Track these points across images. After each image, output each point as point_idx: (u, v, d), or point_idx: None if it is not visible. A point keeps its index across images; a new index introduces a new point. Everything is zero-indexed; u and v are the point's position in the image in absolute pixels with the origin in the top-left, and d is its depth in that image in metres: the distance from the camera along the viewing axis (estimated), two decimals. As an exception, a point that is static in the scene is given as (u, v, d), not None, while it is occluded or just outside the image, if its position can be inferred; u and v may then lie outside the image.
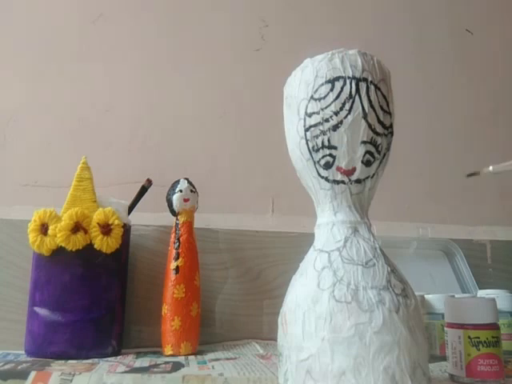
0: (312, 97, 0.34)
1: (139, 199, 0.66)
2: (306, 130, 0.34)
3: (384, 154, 0.35)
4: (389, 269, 0.33)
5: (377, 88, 0.34)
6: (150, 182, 0.66)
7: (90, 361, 0.53)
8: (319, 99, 0.34)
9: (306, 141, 0.34)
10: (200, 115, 0.79)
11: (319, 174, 0.35)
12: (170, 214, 0.62)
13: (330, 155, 0.34)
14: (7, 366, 0.47)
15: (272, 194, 0.77)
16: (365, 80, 0.34)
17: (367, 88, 0.33)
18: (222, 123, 0.79)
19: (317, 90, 0.34)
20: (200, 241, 0.64)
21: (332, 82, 0.34)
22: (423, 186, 0.82)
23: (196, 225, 0.63)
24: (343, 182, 0.34)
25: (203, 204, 0.64)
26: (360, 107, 0.33)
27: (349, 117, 0.33)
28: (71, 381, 0.40)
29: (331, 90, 0.33)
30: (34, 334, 0.56)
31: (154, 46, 0.80)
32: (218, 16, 0.83)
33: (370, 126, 0.33)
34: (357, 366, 0.30)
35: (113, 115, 0.77)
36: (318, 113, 0.34)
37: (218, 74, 0.81)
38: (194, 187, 0.62)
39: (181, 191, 0.61)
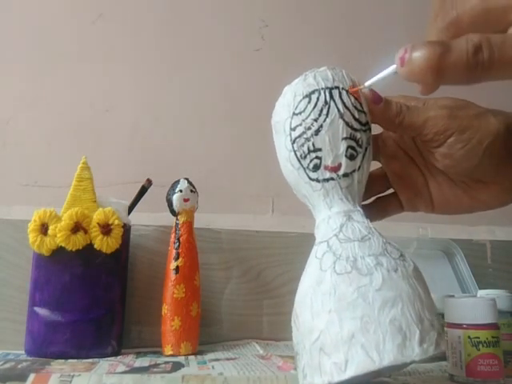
0: (294, 113, 0.38)
1: (139, 199, 0.66)
2: (293, 142, 0.38)
3: (366, 148, 0.38)
4: (384, 240, 0.35)
5: (348, 92, 0.38)
6: (150, 182, 0.66)
7: (90, 360, 0.53)
8: (300, 113, 0.37)
9: (294, 152, 0.38)
10: (200, 115, 0.79)
11: (310, 178, 0.37)
12: (170, 214, 0.62)
13: (317, 157, 0.37)
14: (7, 365, 0.47)
15: (272, 194, 0.78)
16: (337, 88, 0.37)
17: (339, 93, 0.37)
18: (222, 123, 0.79)
19: (297, 107, 0.38)
20: (200, 241, 0.64)
21: (309, 95, 0.37)
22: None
23: (196, 225, 0.63)
24: (332, 179, 0.37)
25: (203, 204, 0.64)
26: (336, 109, 0.37)
27: (327, 119, 0.37)
28: (70, 382, 0.40)
29: (309, 102, 0.37)
30: (33, 334, 0.56)
31: (154, 46, 0.80)
32: (217, 16, 0.83)
33: (347, 123, 0.37)
34: (364, 326, 0.31)
35: (113, 115, 0.77)
36: (300, 124, 0.37)
37: (218, 74, 0.81)
38: (193, 187, 0.62)
39: (181, 191, 0.61)
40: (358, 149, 0.37)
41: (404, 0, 0.89)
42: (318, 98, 0.37)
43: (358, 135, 0.37)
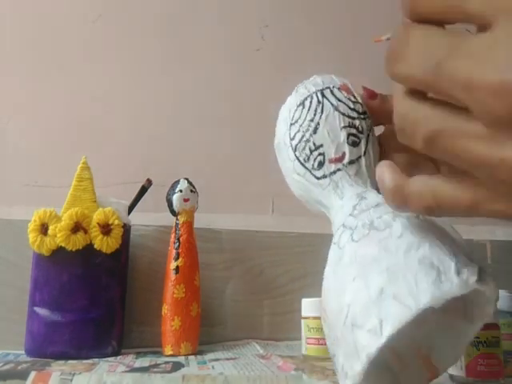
0: (291, 124, 0.38)
1: (139, 199, 0.66)
2: (295, 150, 0.37)
3: (368, 134, 0.38)
4: None
5: (340, 89, 0.38)
6: (150, 182, 0.66)
7: (89, 361, 0.53)
8: (296, 121, 0.38)
9: (297, 158, 0.37)
10: (200, 115, 0.79)
11: (317, 177, 0.37)
12: (170, 214, 0.62)
13: (320, 154, 0.37)
14: (7, 366, 0.47)
15: (272, 194, 0.78)
16: (328, 88, 0.38)
17: (331, 91, 0.38)
18: (222, 123, 0.79)
19: (293, 117, 0.38)
20: (200, 241, 0.64)
21: (302, 103, 0.38)
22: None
23: (196, 225, 0.63)
24: (339, 169, 0.36)
25: (203, 204, 0.64)
26: (329, 104, 0.37)
27: (322, 116, 0.37)
28: (71, 380, 0.40)
29: (303, 108, 0.38)
30: (33, 333, 0.56)
31: (154, 46, 0.80)
32: (217, 16, 0.83)
33: (343, 114, 0.37)
34: (392, 275, 0.27)
35: (113, 115, 0.77)
36: (298, 131, 0.37)
37: (218, 74, 0.81)
38: (193, 187, 0.62)
39: (181, 191, 0.61)
40: (360, 135, 0.37)
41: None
42: (311, 102, 0.37)
43: (357, 122, 0.37)
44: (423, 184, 0.25)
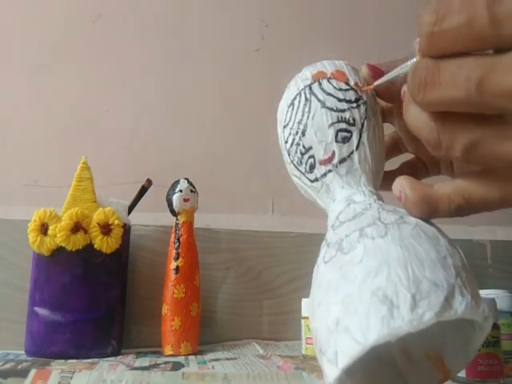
0: (283, 126, 0.36)
1: (139, 199, 0.66)
2: (289, 154, 0.36)
3: (362, 123, 0.35)
4: (381, 208, 0.30)
5: (330, 79, 0.35)
6: (149, 182, 0.66)
7: (90, 360, 0.53)
8: (287, 123, 0.36)
9: (292, 162, 0.36)
10: (200, 115, 0.79)
11: (310, 180, 0.35)
12: (170, 214, 0.62)
13: (310, 157, 0.35)
14: (7, 365, 0.47)
15: (272, 194, 0.78)
16: (317, 81, 0.35)
17: (319, 84, 0.35)
18: (222, 123, 0.79)
19: (285, 119, 0.36)
20: (200, 241, 0.64)
21: (292, 103, 0.36)
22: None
23: (196, 225, 0.63)
24: (330, 171, 0.34)
25: (203, 204, 0.64)
26: (316, 101, 0.34)
27: (310, 115, 0.34)
28: (71, 378, 0.40)
29: (292, 109, 0.36)
30: (33, 333, 0.56)
31: (154, 46, 0.80)
32: (217, 16, 0.83)
33: (331, 109, 0.34)
34: (346, 306, 0.26)
35: (113, 115, 0.77)
36: (290, 134, 0.36)
37: (218, 74, 0.81)
38: (193, 187, 0.62)
39: (181, 191, 0.61)
40: (351, 128, 0.34)
41: (405, 0, 0.89)
42: (299, 101, 0.35)
43: (348, 114, 0.34)
44: (451, 188, 0.28)
